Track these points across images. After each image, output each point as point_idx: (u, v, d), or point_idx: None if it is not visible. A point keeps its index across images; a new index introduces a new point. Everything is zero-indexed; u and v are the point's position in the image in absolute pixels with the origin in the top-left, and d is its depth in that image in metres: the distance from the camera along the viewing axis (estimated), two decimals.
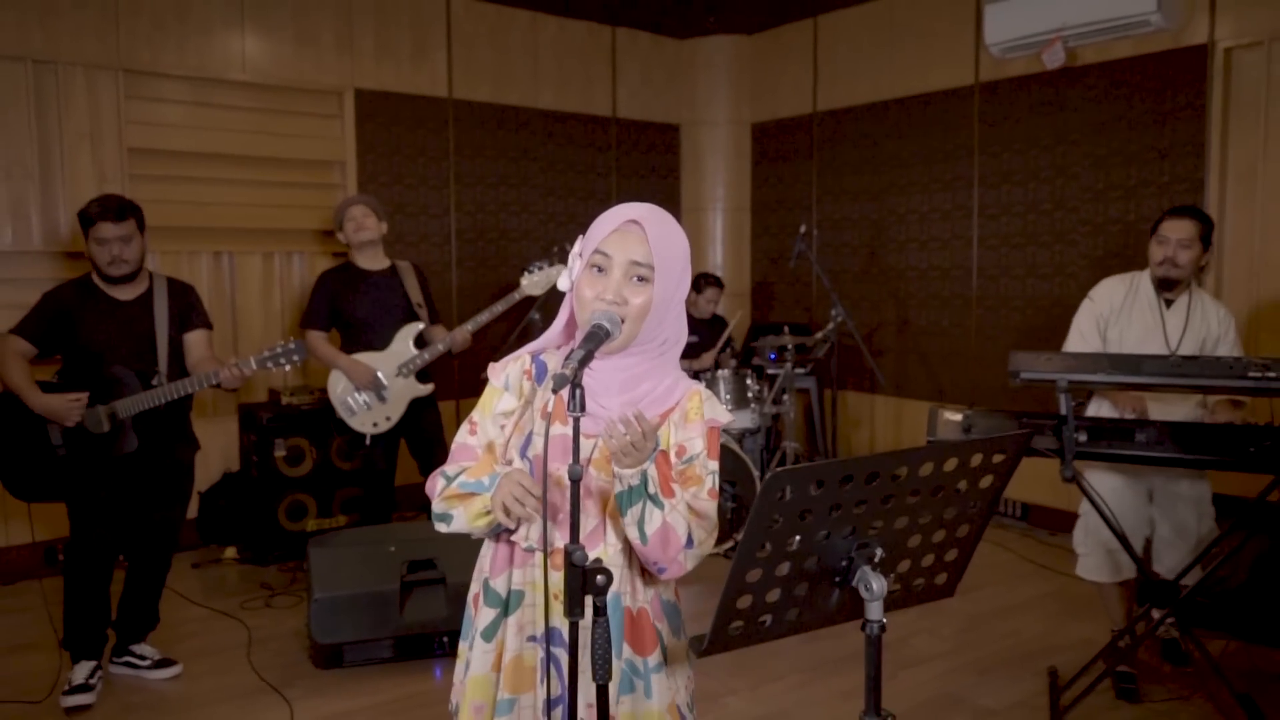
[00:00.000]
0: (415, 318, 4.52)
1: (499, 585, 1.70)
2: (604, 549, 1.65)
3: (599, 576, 1.46)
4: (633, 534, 1.58)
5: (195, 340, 3.63)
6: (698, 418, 1.66)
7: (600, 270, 1.61)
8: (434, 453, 4.55)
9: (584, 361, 1.47)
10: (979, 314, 5.77)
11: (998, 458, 1.54)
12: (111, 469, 3.43)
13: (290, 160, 5.51)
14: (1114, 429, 3.07)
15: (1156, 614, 3.39)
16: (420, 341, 4.50)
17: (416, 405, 4.49)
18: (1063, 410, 3.01)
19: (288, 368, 3.50)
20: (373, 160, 5.73)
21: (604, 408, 1.62)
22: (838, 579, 1.51)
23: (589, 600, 1.46)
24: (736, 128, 7.16)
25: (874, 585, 1.47)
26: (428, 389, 4.50)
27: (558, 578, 1.57)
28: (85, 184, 4.83)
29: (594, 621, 1.47)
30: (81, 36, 4.81)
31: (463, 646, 1.78)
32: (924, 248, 6.06)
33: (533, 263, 4.66)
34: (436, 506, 1.70)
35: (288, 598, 4.44)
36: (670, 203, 7.14)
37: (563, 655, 1.63)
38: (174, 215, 5.11)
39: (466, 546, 3.78)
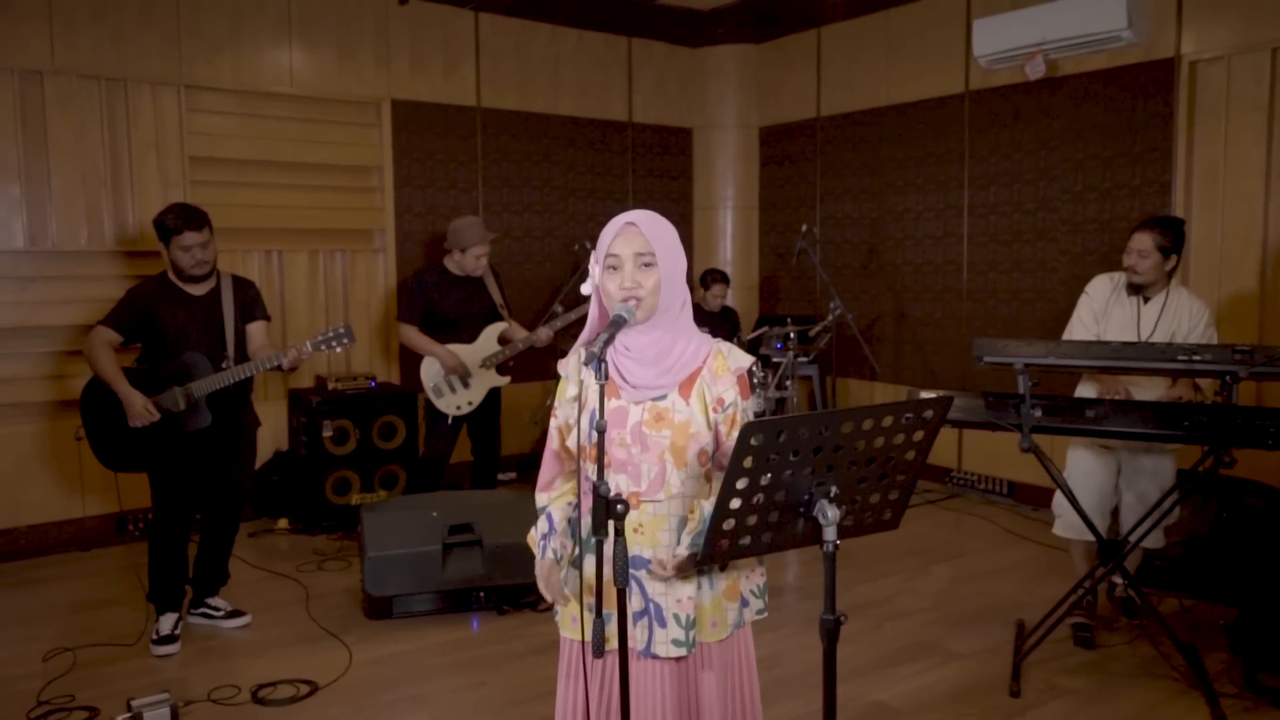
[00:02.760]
0: (498, 317, 5.13)
1: (584, 527, 2.15)
2: (666, 489, 2.10)
3: (619, 505, 1.93)
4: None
5: (256, 330, 4.11)
6: (725, 371, 2.11)
7: (615, 268, 2.08)
8: (493, 437, 5.19)
9: (607, 342, 1.94)
10: (969, 305, 6.21)
11: (929, 415, 2.00)
12: (187, 442, 3.91)
13: (333, 166, 6.00)
14: (1067, 406, 3.52)
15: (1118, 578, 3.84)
16: (502, 339, 5.10)
17: (494, 394, 5.12)
18: (1021, 389, 3.45)
19: (339, 349, 3.96)
20: (408, 165, 6.21)
21: (642, 379, 2.09)
22: (801, 510, 1.97)
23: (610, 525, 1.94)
24: (745, 131, 7.61)
25: (829, 514, 1.93)
26: (505, 380, 5.12)
27: (635, 516, 2.09)
28: (152, 190, 5.33)
29: (615, 541, 1.94)
30: (147, 56, 5.31)
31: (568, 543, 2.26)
32: (919, 244, 6.50)
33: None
34: (538, 526, 2.25)
35: (337, 562, 4.95)
36: (683, 202, 7.61)
37: (645, 576, 2.10)
38: (229, 217, 5.58)
39: (501, 512, 4.29)
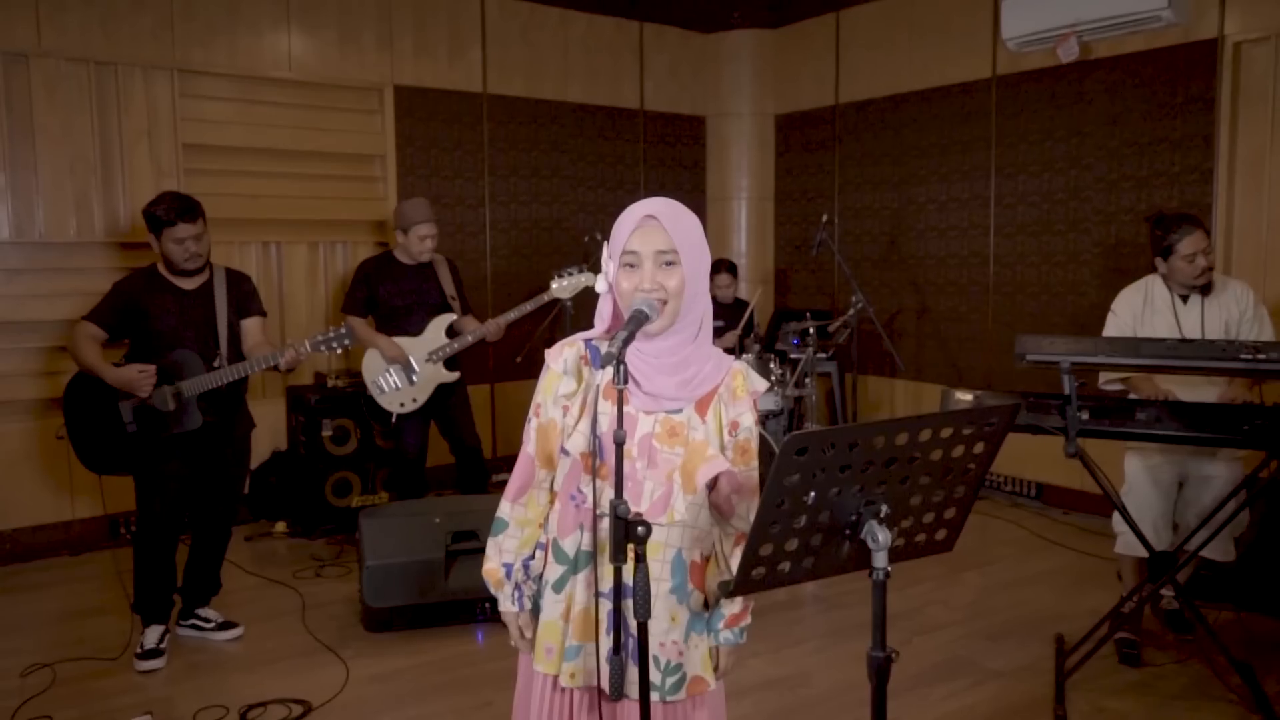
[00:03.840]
0: (448, 309, 4.80)
1: (568, 545, 1.90)
2: (669, 514, 1.85)
3: (639, 528, 1.69)
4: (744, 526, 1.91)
5: (251, 326, 3.88)
6: (745, 393, 1.89)
7: (633, 266, 1.83)
8: (463, 436, 4.88)
9: (626, 341, 1.70)
10: (995, 300, 5.96)
11: (989, 426, 1.76)
12: (176, 444, 3.69)
13: (333, 154, 5.77)
14: (1116, 408, 3.28)
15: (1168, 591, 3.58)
16: (451, 332, 4.79)
17: (443, 390, 4.80)
18: (1066, 390, 3.21)
19: (338, 350, 3.76)
20: (411, 154, 5.98)
21: (657, 387, 1.84)
22: (847, 532, 1.73)
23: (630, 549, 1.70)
24: (761, 119, 7.35)
25: (879, 537, 1.70)
26: (454, 376, 4.80)
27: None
28: (144, 179, 5.11)
29: (635, 567, 1.71)
30: (139, 39, 5.08)
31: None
32: (942, 236, 6.24)
33: (564, 268, 4.89)
34: (494, 527, 2.02)
35: (336, 568, 4.72)
36: (696, 192, 7.37)
37: (629, 608, 1.85)
38: (225, 207, 5.37)
39: None
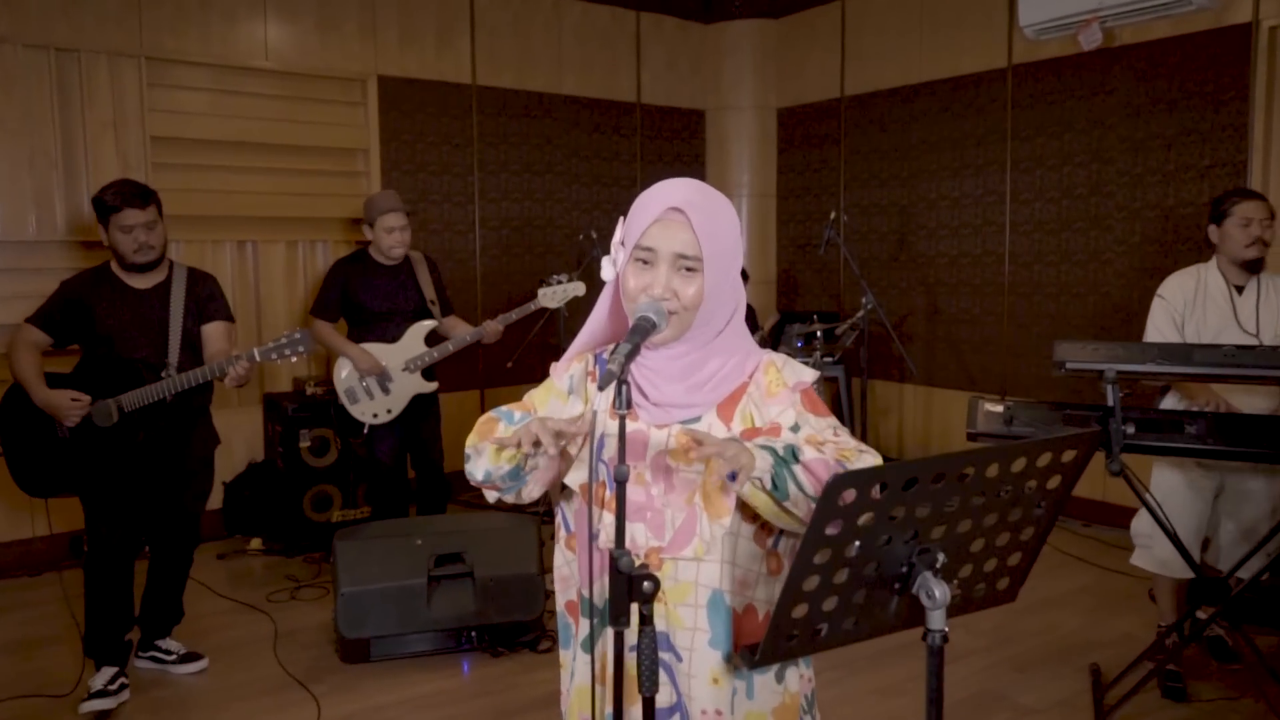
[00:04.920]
0: (428, 313, 4.48)
1: (595, 595, 1.59)
2: (697, 544, 1.55)
3: (645, 583, 1.39)
4: (802, 509, 1.46)
5: (214, 332, 3.50)
6: (780, 388, 1.58)
7: (646, 264, 1.53)
8: (430, 450, 4.54)
9: (630, 356, 1.40)
10: (1011, 301, 5.66)
11: (1067, 456, 1.46)
12: (122, 463, 3.32)
13: (313, 148, 5.45)
14: (1163, 421, 2.98)
15: (1203, 614, 3.29)
16: (431, 339, 4.45)
17: (419, 402, 4.46)
18: (1110, 401, 2.91)
19: (294, 359, 3.35)
20: (396, 148, 5.67)
21: (668, 395, 1.56)
22: (897, 585, 1.43)
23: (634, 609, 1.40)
24: (762, 113, 7.05)
25: (936, 593, 1.40)
26: (431, 387, 4.47)
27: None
28: (109, 173, 4.77)
29: (640, 630, 1.41)
30: (104, 24, 4.76)
31: (565, 655, 1.70)
32: (955, 234, 5.95)
33: (552, 275, 4.58)
34: (469, 440, 1.66)
35: (314, 590, 4.41)
36: None
37: (673, 661, 1.56)
38: (197, 204, 5.08)
39: (495, 540, 3.72)
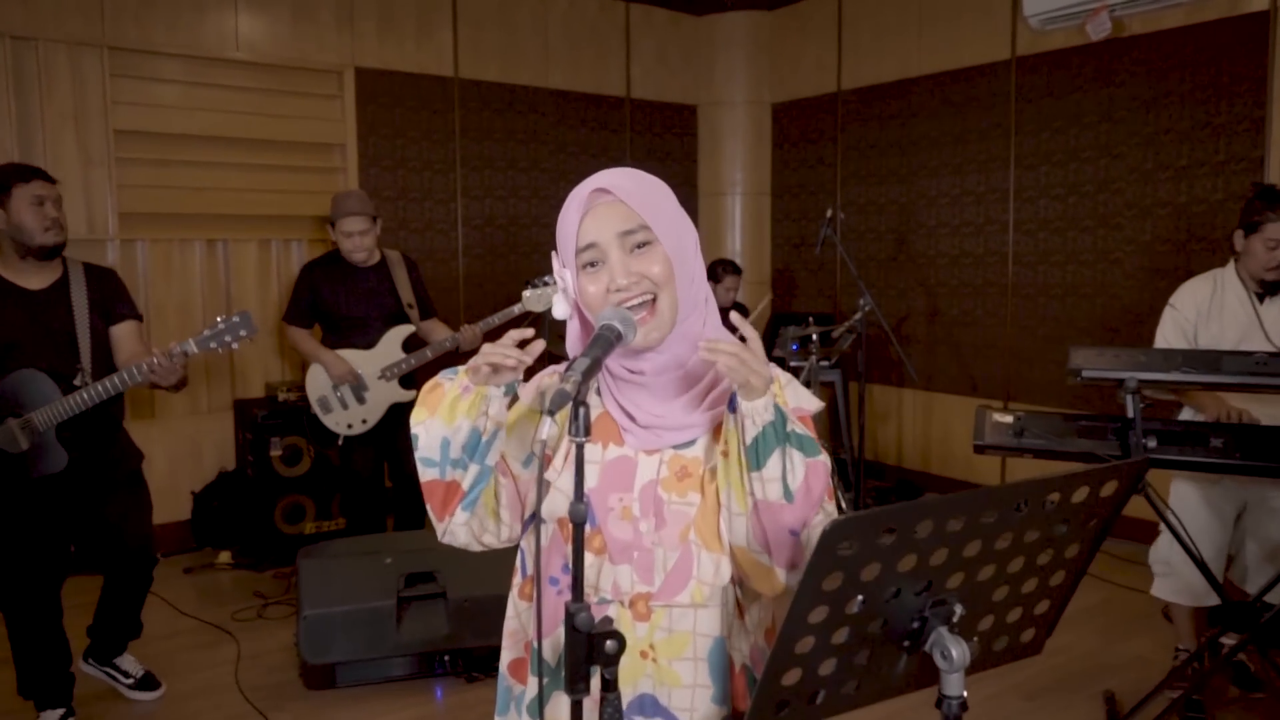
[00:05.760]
0: (405, 318, 4.23)
1: (548, 651, 1.35)
2: (695, 587, 1.33)
3: (608, 643, 1.17)
4: (774, 491, 1.26)
5: (124, 334, 3.11)
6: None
7: (594, 265, 1.33)
8: (407, 462, 4.27)
9: (588, 373, 1.17)
10: (1015, 303, 5.44)
11: (1107, 489, 1.24)
12: (37, 492, 2.94)
13: (287, 143, 5.22)
14: (1186, 433, 2.75)
15: (1228, 639, 3.07)
16: (410, 345, 4.21)
17: (396, 411, 4.21)
18: (1130, 413, 2.69)
19: (236, 346, 2.94)
20: (375, 143, 5.44)
21: (660, 417, 1.34)
22: (906, 643, 1.21)
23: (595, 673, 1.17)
24: (756, 108, 6.82)
25: (954, 652, 1.18)
26: (410, 395, 4.21)
27: (644, 629, 1.33)
28: (69, 168, 4.56)
29: (603, 699, 1.18)
30: (63, 12, 4.53)
31: None
32: (956, 233, 5.73)
33: (537, 277, 4.31)
34: (414, 416, 1.40)
35: (281, 608, 4.18)
36: (687, 187, 6.84)
37: None
38: (165, 201, 4.85)
39: (470, 558, 3.48)
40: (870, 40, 6.11)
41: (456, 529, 1.41)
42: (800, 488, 1.27)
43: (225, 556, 4.78)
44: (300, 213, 5.27)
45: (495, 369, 1.29)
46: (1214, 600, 3.04)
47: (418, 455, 1.38)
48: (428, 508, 1.43)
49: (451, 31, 5.69)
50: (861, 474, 5.31)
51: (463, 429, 1.34)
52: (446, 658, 3.42)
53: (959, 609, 1.21)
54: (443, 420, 1.35)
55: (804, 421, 1.35)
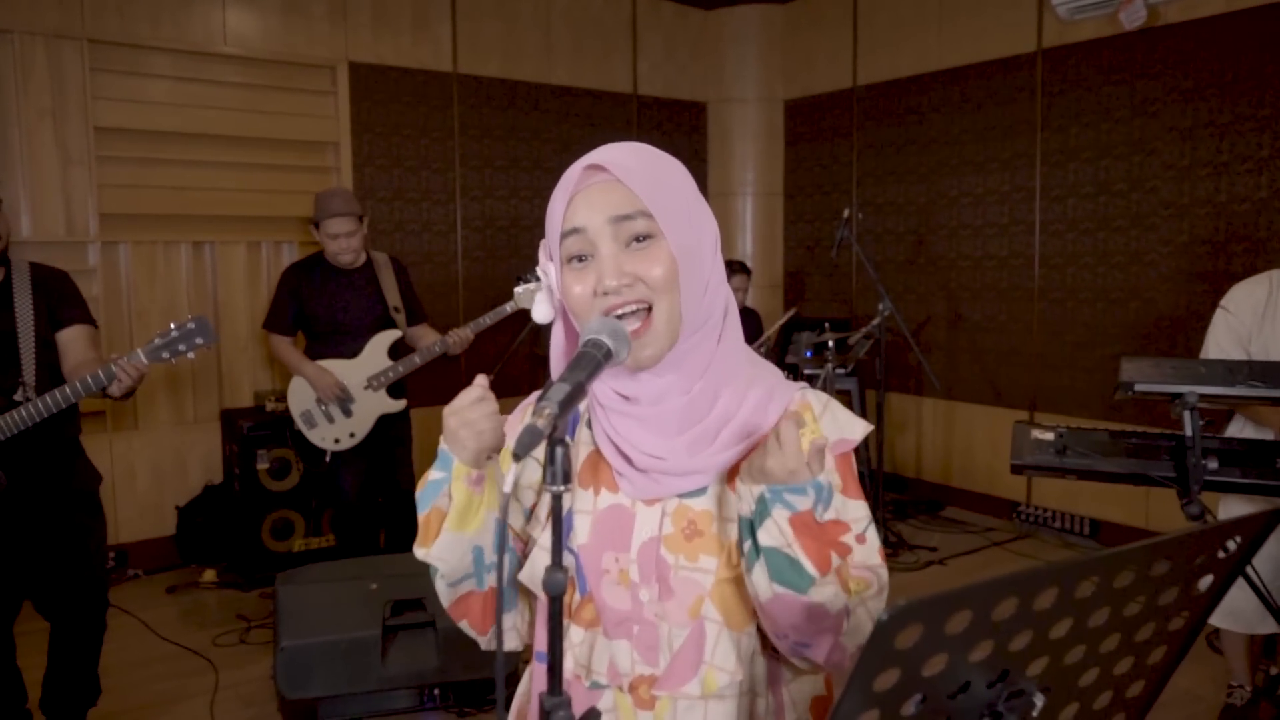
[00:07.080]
0: (391, 323, 3.97)
1: None
2: (707, 674, 1.08)
3: None
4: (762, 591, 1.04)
5: (72, 340, 2.79)
6: (821, 441, 1.08)
7: (581, 259, 1.08)
8: (399, 476, 4.04)
9: (566, 403, 0.92)
10: (1042, 308, 5.17)
11: (1226, 551, 0.98)
12: None
13: (278, 141, 5.00)
14: (1250, 452, 2.49)
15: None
16: (396, 351, 3.96)
17: (385, 423, 3.96)
18: (1187, 430, 2.42)
19: (191, 355, 2.68)
20: (369, 141, 5.21)
21: (659, 459, 1.08)
22: None
23: None
24: (768, 105, 6.58)
25: None
26: (399, 406, 3.96)
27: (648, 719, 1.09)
28: (48, 166, 4.36)
29: None
30: (41, 3, 4.32)
31: None
32: (978, 234, 5.46)
33: (528, 271, 4.04)
34: (418, 552, 1.14)
35: (266, 631, 3.93)
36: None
37: None
38: (149, 201, 4.64)
39: None
40: (887, 33, 5.86)
41: (508, 634, 1.19)
42: (809, 560, 1.01)
43: (210, 574, 4.54)
44: (291, 214, 5.03)
45: (475, 430, 1.03)
46: (1270, 627, 2.78)
47: (447, 582, 1.13)
48: (462, 625, 1.18)
49: (450, 24, 5.45)
50: (880, 486, 5.04)
51: (488, 525, 1.10)
52: (436, 691, 3.17)
53: (1040, 699, 0.96)
54: (471, 531, 1.09)
55: (846, 460, 1.09)
